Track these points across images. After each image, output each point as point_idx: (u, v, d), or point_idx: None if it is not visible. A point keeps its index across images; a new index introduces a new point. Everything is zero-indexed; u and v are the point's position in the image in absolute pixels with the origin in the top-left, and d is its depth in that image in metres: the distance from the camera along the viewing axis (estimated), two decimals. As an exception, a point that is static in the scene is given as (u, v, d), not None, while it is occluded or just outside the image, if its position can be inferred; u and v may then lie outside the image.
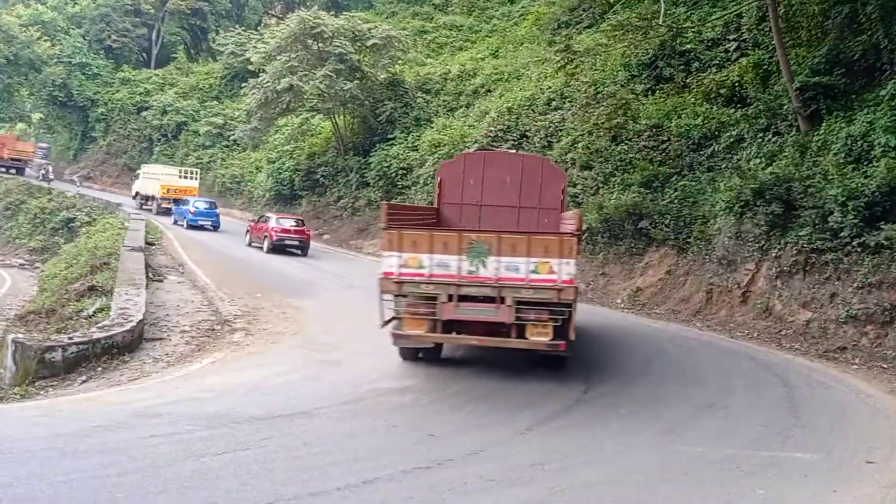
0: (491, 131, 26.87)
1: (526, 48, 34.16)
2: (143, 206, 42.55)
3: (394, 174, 31.55)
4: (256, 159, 44.33)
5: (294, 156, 38.60)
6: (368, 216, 32.16)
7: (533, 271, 10.03)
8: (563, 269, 9.98)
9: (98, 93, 58.88)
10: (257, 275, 23.08)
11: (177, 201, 37.79)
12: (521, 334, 10.39)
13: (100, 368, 12.56)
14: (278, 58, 33.40)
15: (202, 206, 35.41)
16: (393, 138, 33.13)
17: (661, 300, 19.22)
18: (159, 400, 10.18)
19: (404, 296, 10.60)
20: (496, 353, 12.69)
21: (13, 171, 53.02)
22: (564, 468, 7.73)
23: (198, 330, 15.60)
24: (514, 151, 21.55)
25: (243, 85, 40.63)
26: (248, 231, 30.64)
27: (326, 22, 32.81)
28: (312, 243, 29.29)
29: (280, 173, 38.87)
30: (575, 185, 22.58)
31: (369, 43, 33.28)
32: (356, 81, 32.93)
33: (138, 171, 47.32)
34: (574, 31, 27.46)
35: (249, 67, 39.47)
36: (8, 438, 8.45)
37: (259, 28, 56.74)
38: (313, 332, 15.55)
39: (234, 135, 44.04)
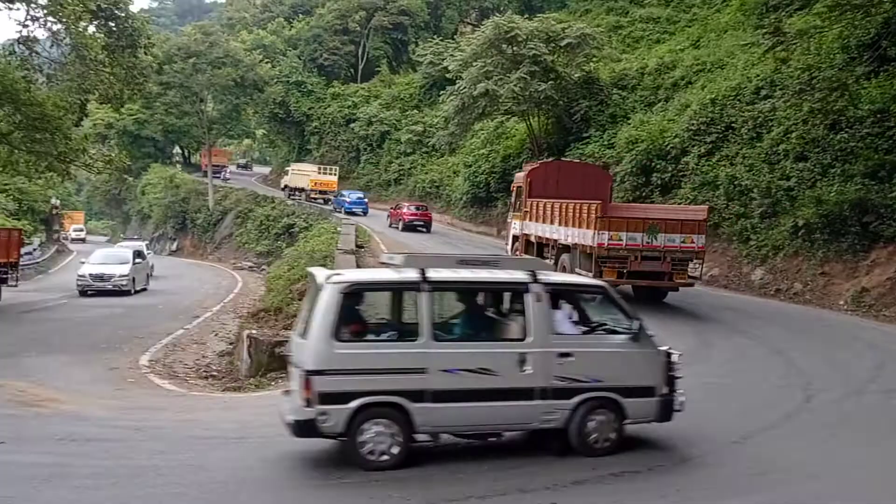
0: (692, 125, 25.76)
1: (730, 35, 32.36)
2: (291, 196, 52.42)
3: (590, 173, 31.22)
4: (454, 164, 45.66)
5: (489, 159, 39.34)
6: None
7: (682, 241, 16.64)
8: (698, 240, 16.74)
9: (312, 108, 63.68)
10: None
11: (323, 192, 49.62)
12: (670, 279, 16.81)
13: (321, 363, 13.61)
14: (474, 64, 34.20)
15: (355, 197, 46.26)
16: (588, 137, 32.77)
17: (891, 301, 17.44)
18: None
19: (609, 257, 16.39)
20: (709, 352, 12.23)
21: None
22: (786, 480, 7.20)
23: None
24: (577, 161, 28.72)
25: (441, 92, 42.11)
26: (388, 216, 40.08)
27: (520, 25, 33.13)
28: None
29: (476, 176, 39.76)
30: (789, 178, 21.11)
31: (563, 43, 33.15)
32: (550, 82, 32.95)
33: (287, 169, 58.06)
34: (784, 13, 25.55)
35: (447, 75, 40.74)
36: (248, 425, 9.47)
37: (455, 36, 58.48)
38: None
39: (432, 141, 45.75)
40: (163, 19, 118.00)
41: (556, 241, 18.97)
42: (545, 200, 19.99)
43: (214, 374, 14.83)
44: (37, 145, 21.89)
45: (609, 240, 16.40)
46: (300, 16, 71.89)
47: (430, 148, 49.49)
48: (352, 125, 59.43)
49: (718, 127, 25.00)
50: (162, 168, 69.99)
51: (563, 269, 17.69)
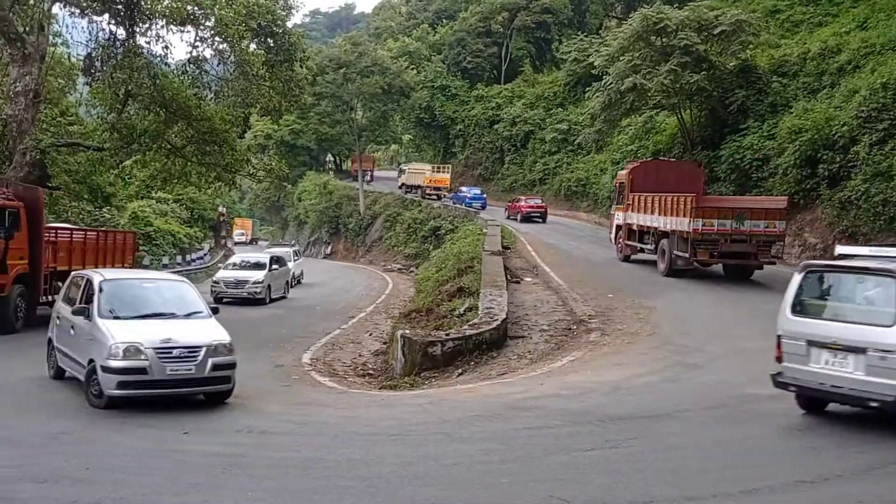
0: (862, 112, 23.82)
1: (903, 13, 29.77)
2: (407, 193, 57.07)
3: (747, 166, 29.64)
4: (600, 161, 44.81)
5: (639, 155, 38.27)
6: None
7: (766, 227, 20.59)
8: (779, 226, 20.78)
9: (456, 111, 64.61)
10: (608, 276, 23.37)
11: (437, 188, 54.81)
12: (755, 258, 20.80)
13: (472, 363, 13.78)
14: (621, 58, 33.37)
15: (473, 193, 49.68)
16: (745, 128, 31.09)
17: None
18: (527, 394, 10.86)
19: (702, 240, 20.57)
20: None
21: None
22: None
23: (555, 329, 16.30)
24: (673, 160, 31.69)
25: (586, 90, 41.39)
26: (506, 209, 44.31)
27: (670, 15, 31.95)
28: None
29: (625, 174, 38.83)
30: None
31: (717, 31, 31.65)
32: (703, 72, 31.56)
33: (402, 167, 64.61)
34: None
35: (592, 71, 40.04)
36: (406, 422, 9.70)
37: (600, 31, 57.40)
38: (669, 334, 15.31)
39: (578, 139, 45.11)
40: (315, 33, 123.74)
41: (656, 228, 22.95)
42: (646, 194, 23.98)
43: (371, 372, 15.34)
44: (206, 157, 23.53)
45: (703, 226, 20.43)
46: (444, 21, 73.25)
47: (575, 146, 48.81)
48: (495, 126, 59.71)
49: (892, 113, 23.03)
50: (316, 175, 73.49)
51: (663, 252, 22.49)
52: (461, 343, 14.10)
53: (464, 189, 51.48)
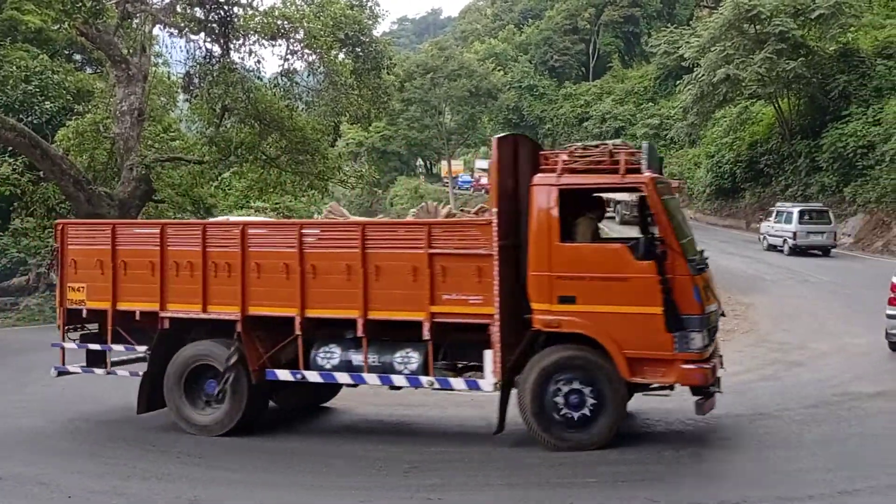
0: (978, 91, 22.45)
1: None
2: None
3: (851, 154, 28.24)
4: (695, 155, 43.64)
5: (734, 147, 37.10)
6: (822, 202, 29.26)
7: None
8: None
9: (545, 110, 64.15)
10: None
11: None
12: None
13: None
14: (712, 49, 32.42)
15: None
16: (848, 114, 29.62)
17: None
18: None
19: None
20: None
21: None
22: None
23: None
24: None
25: (678, 83, 40.40)
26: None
27: (763, 2, 30.80)
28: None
29: (720, 167, 37.72)
30: None
31: (814, 15, 30.27)
32: (801, 59, 30.28)
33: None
34: None
35: (682, 64, 39.02)
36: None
37: (691, 22, 55.76)
38: (767, 330, 14.80)
39: (670, 133, 44.04)
40: (402, 39, 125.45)
41: None
42: None
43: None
44: (300, 166, 24.23)
45: None
46: (530, 21, 72.82)
47: (668, 140, 47.64)
48: (585, 124, 58.92)
49: None
50: (407, 180, 74.37)
51: None
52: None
53: None
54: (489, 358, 7.68)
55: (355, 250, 8.03)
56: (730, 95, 33.41)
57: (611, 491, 6.63)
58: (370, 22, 27.25)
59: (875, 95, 29.30)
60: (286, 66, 23.41)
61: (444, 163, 69.60)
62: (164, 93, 27.75)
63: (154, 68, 25.12)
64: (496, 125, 71.48)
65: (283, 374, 8.45)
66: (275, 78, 24.06)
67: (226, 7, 20.59)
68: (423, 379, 7.95)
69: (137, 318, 8.86)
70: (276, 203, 48.38)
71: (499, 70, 62.57)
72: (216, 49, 21.87)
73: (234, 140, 22.52)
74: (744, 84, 31.75)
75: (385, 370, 8.11)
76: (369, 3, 27.37)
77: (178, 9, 21.02)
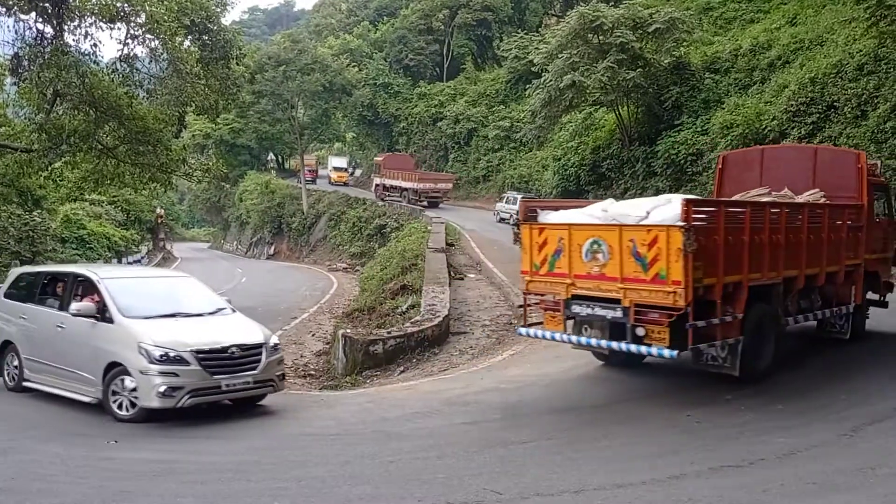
0: (791, 106, 24.63)
1: (829, 10, 30.78)
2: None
3: (682, 161, 30.31)
4: (542, 158, 45.18)
5: (579, 151, 38.70)
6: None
7: None
8: None
9: (399, 109, 64.44)
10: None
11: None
12: None
13: (414, 360, 13.80)
14: (560, 56, 33.70)
15: None
16: (680, 124, 31.79)
17: None
18: (467, 390, 10.91)
19: None
20: (815, 347, 11.70)
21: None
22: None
23: (497, 324, 16.41)
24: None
25: (527, 87, 41.65)
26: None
27: (606, 13, 32.42)
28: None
29: (566, 169, 39.19)
30: (898, 158, 19.98)
31: (651, 29, 32.25)
32: (639, 69, 32.15)
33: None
34: (888, -17, 24.10)
35: (532, 69, 40.34)
36: (345, 422, 9.65)
37: (540, 29, 57.99)
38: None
39: (520, 136, 45.45)
40: (254, 30, 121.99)
41: None
42: None
43: (312, 373, 15.18)
44: (140, 157, 22.94)
45: None
46: (385, 18, 72.90)
47: (517, 143, 49.24)
48: (439, 124, 59.77)
49: (819, 107, 23.85)
50: (257, 175, 72.37)
51: None
52: (403, 341, 14.09)
53: None
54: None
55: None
56: (575, 101, 34.84)
57: (455, 483, 6.69)
58: (218, 9, 26.25)
59: (703, 107, 31.57)
60: (126, 51, 21.99)
61: (298, 157, 68.30)
62: (-13, 75, 25.44)
63: (-24, 48, 22.92)
64: (350, 121, 71.16)
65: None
66: (113, 63, 22.55)
67: (59, -16, 19.13)
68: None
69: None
70: (115, 196, 45.69)
71: (353, 66, 62.16)
72: (48, 30, 20.36)
73: (67, 127, 20.97)
74: (588, 91, 33.22)
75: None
76: (218, -10, 26.36)
77: (6, -16, 19.29)
